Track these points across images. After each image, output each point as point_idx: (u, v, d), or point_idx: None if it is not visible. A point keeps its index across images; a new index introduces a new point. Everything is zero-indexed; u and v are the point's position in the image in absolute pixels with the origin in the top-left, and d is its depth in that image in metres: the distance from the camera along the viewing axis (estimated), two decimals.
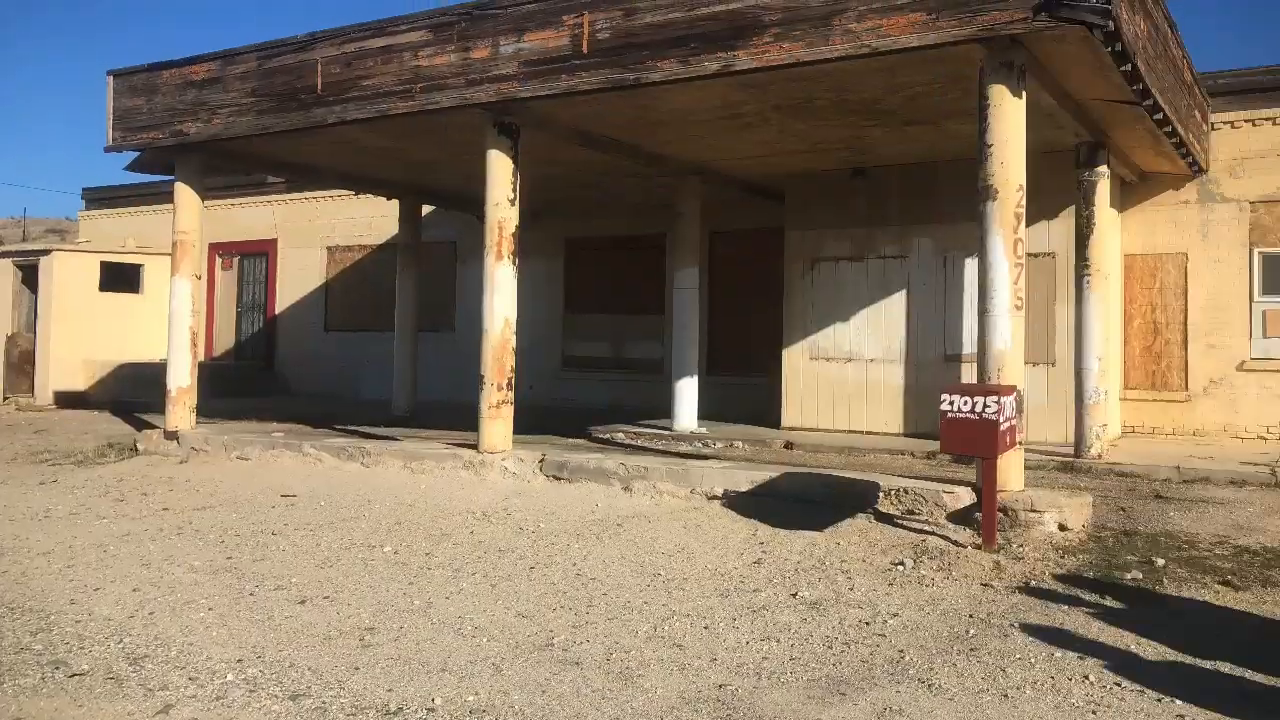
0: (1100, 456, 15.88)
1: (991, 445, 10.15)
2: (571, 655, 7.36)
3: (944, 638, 7.67)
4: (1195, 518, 11.89)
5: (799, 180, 20.09)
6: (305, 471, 15.34)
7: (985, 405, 10.15)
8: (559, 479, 13.95)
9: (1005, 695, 6.57)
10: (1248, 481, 14.31)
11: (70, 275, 29.10)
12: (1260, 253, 18.87)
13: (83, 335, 28.93)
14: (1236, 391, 18.91)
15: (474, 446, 14.87)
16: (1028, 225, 11.89)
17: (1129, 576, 9.23)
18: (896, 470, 14.18)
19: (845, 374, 19.56)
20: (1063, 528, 10.78)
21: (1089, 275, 16.35)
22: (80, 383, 28.73)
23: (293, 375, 30.84)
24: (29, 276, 29.72)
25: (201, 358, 21.36)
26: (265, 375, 30.95)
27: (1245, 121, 19.05)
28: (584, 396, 25.45)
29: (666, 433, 19.36)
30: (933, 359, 18.74)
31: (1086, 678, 6.79)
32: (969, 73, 11.94)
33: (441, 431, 17.92)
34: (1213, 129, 19.22)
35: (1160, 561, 9.68)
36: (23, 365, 29.28)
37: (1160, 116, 14.51)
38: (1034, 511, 10.80)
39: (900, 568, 9.68)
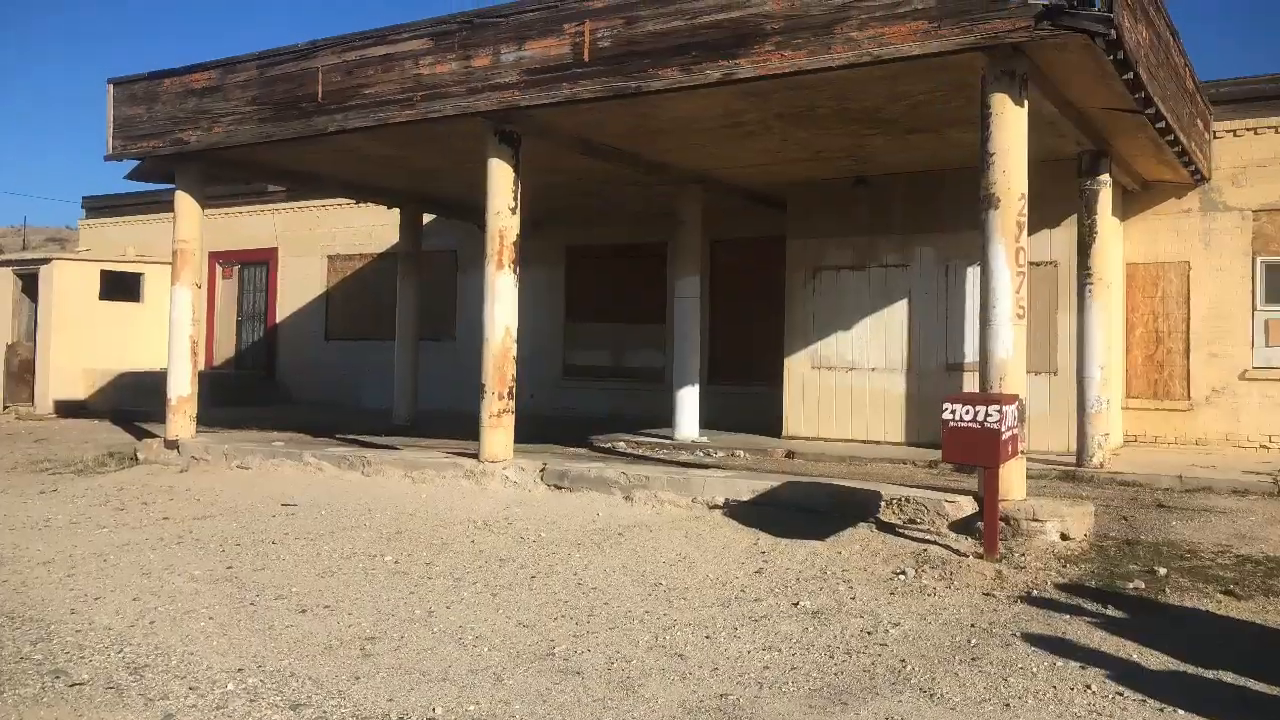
0: (1102, 465, 15.86)
1: (993, 454, 10.12)
2: (573, 665, 7.34)
3: (946, 647, 7.65)
4: (1197, 527, 11.87)
5: (801, 188, 20.08)
6: (306, 480, 15.31)
7: (987, 414, 10.13)
8: (560, 488, 13.93)
9: (1007, 705, 6.55)
10: (1250, 490, 14.29)
11: (70, 284, 29.08)
12: (1262, 261, 18.84)
13: (83, 344, 28.91)
14: (1239, 400, 18.88)
15: (475, 455, 14.85)
16: (1030, 234, 11.87)
17: (1131, 586, 9.21)
18: (898, 479, 14.14)
19: (847, 383, 19.54)
20: (1065, 537, 10.76)
21: (1091, 284, 16.34)
22: (80, 392, 28.72)
23: (293, 384, 30.82)
24: (29, 285, 29.70)
25: (202, 366, 21.34)
26: (266, 384, 30.91)
27: (1247, 130, 19.03)
28: (585, 405, 25.43)
29: (668, 442, 19.34)
30: (935, 368, 18.72)
31: (1089, 687, 6.77)
32: (971, 81, 11.92)
33: (442, 440, 17.89)
34: (1215, 137, 19.20)
35: (1162, 571, 9.66)
36: (23, 374, 29.26)
37: (1162, 125, 14.50)
38: (1036, 521, 10.78)
39: (902, 577, 9.66)
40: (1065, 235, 17.42)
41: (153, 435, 19.13)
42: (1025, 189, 11.49)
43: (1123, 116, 14.22)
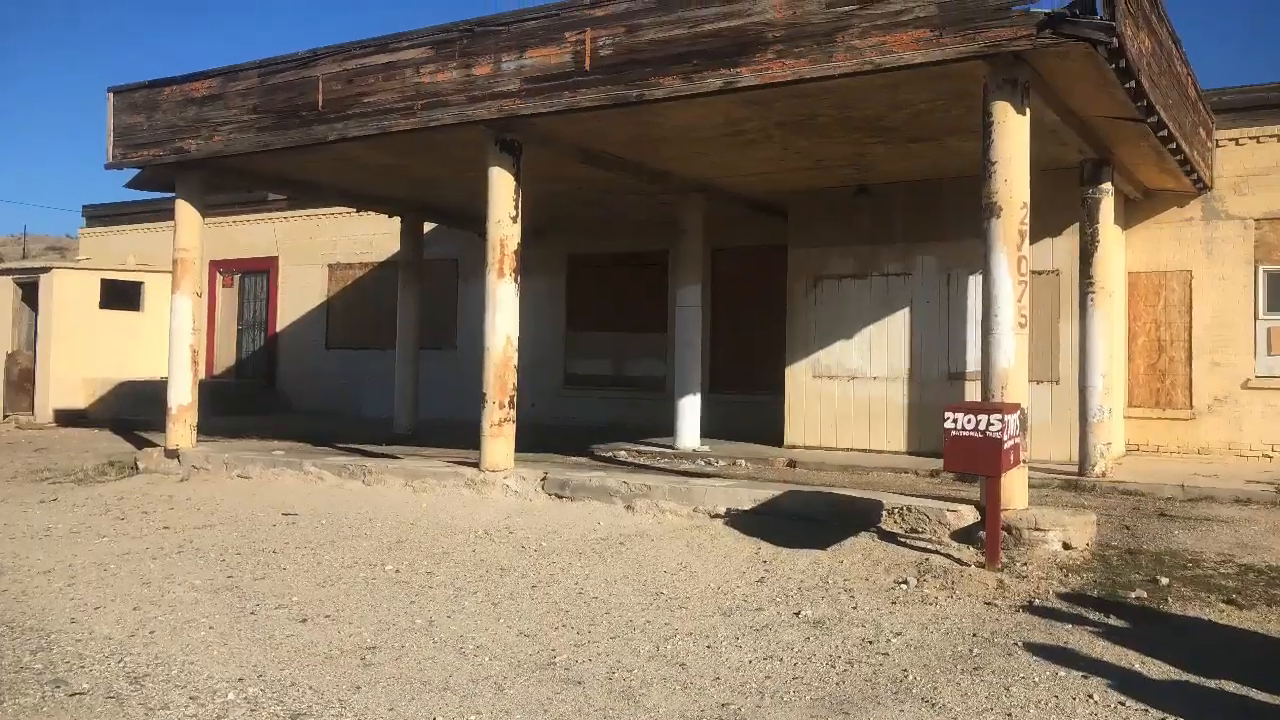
0: (1104, 475, 15.85)
1: (995, 463, 10.11)
2: (574, 674, 7.32)
3: (947, 657, 7.63)
4: (1200, 536, 11.86)
5: (802, 197, 20.09)
6: (306, 490, 15.30)
7: (989, 423, 10.11)
8: (561, 497, 13.92)
9: (1009, 715, 6.53)
10: (1252, 500, 14.27)
11: (70, 293, 29.07)
12: (1265, 270, 18.83)
13: (83, 353, 28.89)
14: (1241, 409, 18.86)
15: (476, 465, 14.83)
16: (1032, 242, 11.85)
17: (1133, 595, 9.19)
18: (900, 488, 14.15)
19: (849, 392, 19.53)
20: (1067, 546, 10.74)
21: (1093, 292, 16.33)
22: (80, 401, 28.70)
23: (294, 393, 30.81)
24: (29, 294, 29.68)
25: (202, 375, 21.31)
26: (266, 393, 30.91)
27: (1250, 139, 19.02)
28: (586, 414, 25.41)
29: (669, 451, 19.34)
30: (936, 377, 18.72)
31: (1090, 697, 6.76)
32: (973, 89, 11.91)
33: (443, 450, 17.89)
34: (1217, 146, 19.19)
35: (1165, 580, 9.64)
36: (23, 383, 29.24)
37: (1165, 133, 14.49)
38: (1038, 530, 10.76)
39: (904, 586, 9.64)
40: (1067, 244, 17.42)
41: (153, 444, 19.10)
42: (1027, 197, 11.48)
43: (1125, 125, 14.21)
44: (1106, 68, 11.48)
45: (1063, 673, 7.20)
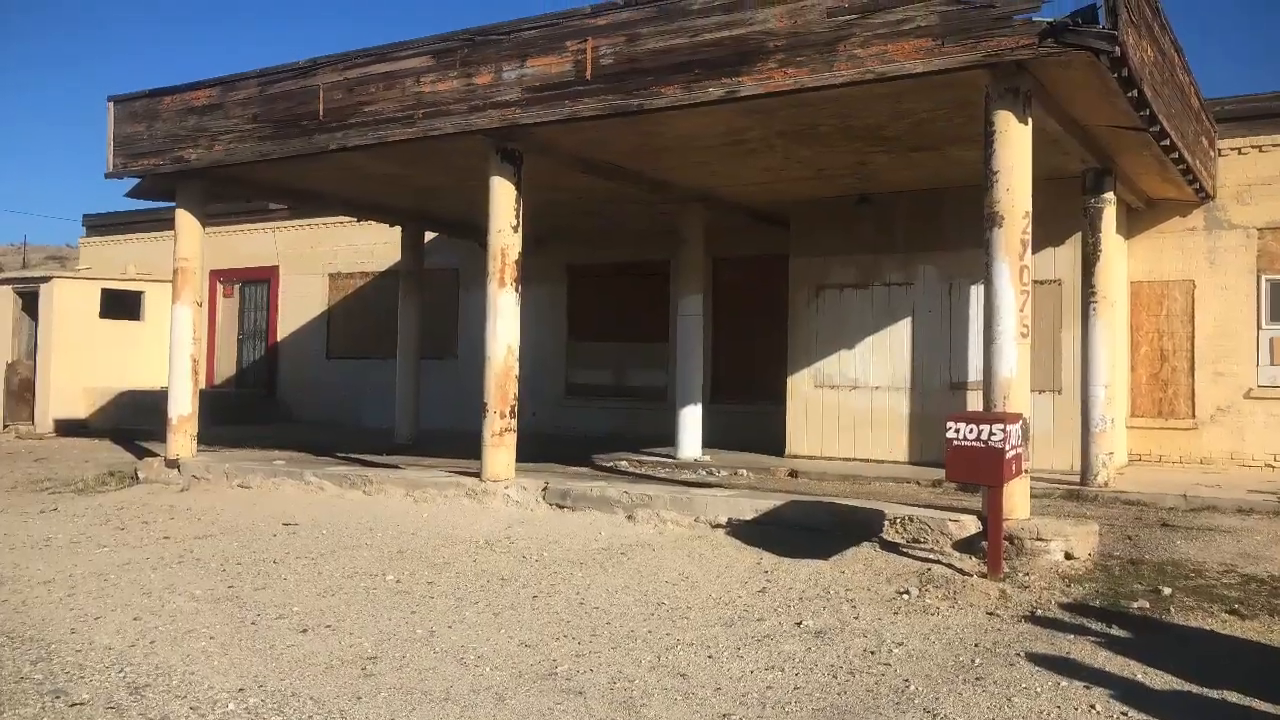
0: (1107, 484, 15.83)
1: (997, 473, 10.09)
2: (575, 684, 7.30)
3: (949, 667, 7.61)
4: (1202, 546, 11.83)
5: (804, 206, 20.08)
6: (307, 500, 15.28)
7: (991, 433, 10.10)
8: (562, 507, 13.90)
9: None
10: (1255, 510, 14.24)
11: (71, 302, 29.05)
12: (1268, 280, 18.80)
13: (83, 363, 28.87)
14: (1244, 419, 18.84)
15: (477, 475, 14.82)
16: (1034, 252, 11.82)
17: (1136, 605, 9.17)
18: (902, 498, 14.11)
19: (850, 402, 19.52)
20: (1069, 556, 10.72)
21: (1095, 302, 16.31)
22: (81, 410, 28.68)
23: (294, 402, 30.80)
24: (29, 304, 29.67)
25: (203, 385, 21.30)
26: (267, 403, 30.89)
27: (1252, 148, 19.01)
28: (587, 424, 25.39)
29: (670, 461, 19.32)
30: (938, 386, 18.70)
31: (1093, 707, 6.73)
32: (975, 99, 11.90)
33: (444, 460, 17.86)
34: (1220, 155, 19.18)
35: (1167, 590, 9.61)
36: (23, 393, 29.21)
37: (1167, 142, 14.48)
38: (1040, 540, 10.74)
39: (905, 596, 9.62)
40: (1069, 253, 17.41)
41: (153, 454, 19.09)
42: (1029, 207, 11.47)
43: (1127, 134, 14.21)
44: (1109, 77, 11.47)
45: (1065, 683, 7.17)
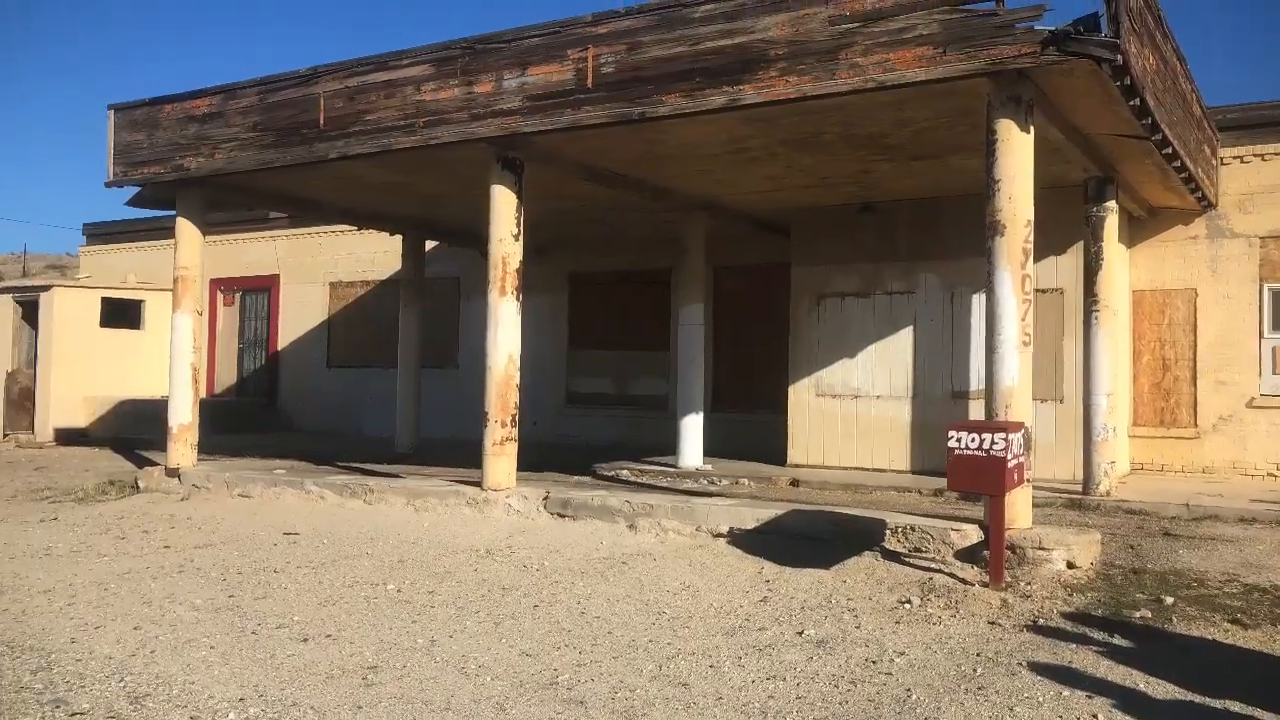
0: (1109, 493, 15.81)
1: (999, 482, 10.08)
2: (576, 694, 7.28)
3: (951, 676, 7.59)
4: (1204, 555, 11.81)
5: (805, 215, 20.07)
6: (307, 509, 15.27)
7: (993, 442, 10.09)
8: (563, 516, 13.89)
9: None
10: (1257, 519, 14.23)
11: (71, 311, 29.05)
12: (1270, 288, 18.78)
13: (83, 372, 28.87)
14: (1246, 428, 18.82)
15: (478, 484, 14.80)
16: (1035, 260, 11.82)
17: (1138, 615, 9.15)
18: (903, 508, 14.10)
19: (852, 410, 19.49)
20: (1071, 565, 10.70)
21: (1097, 311, 16.29)
22: (81, 419, 28.68)
23: (295, 411, 30.78)
24: (29, 313, 29.68)
25: (203, 394, 21.31)
26: (267, 411, 30.88)
27: (1255, 156, 19.00)
28: (588, 433, 25.37)
29: (671, 470, 19.30)
30: (940, 395, 18.67)
31: (1095, 717, 6.72)
32: (977, 107, 11.90)
33: (445, 469, 17.86)
34: (1222, 164, 19.18)
35: (1169, 599, 9.60)
36: (23, 402, 29.21)
37: (1169, 151, 14.47)
38: (1042, 549, 10.72)
39: (907, 606, 9.60)
40: (1071, 262, 17.41)
41: (154, 463, 19.07)
42: (1031, 215, 11.46)
43: (1129, 143, 14.20)
44: (1111, 85, 11.46)
45: (1067, 692, 7.15)
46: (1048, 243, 16.04)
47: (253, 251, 31.95)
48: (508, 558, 11.91)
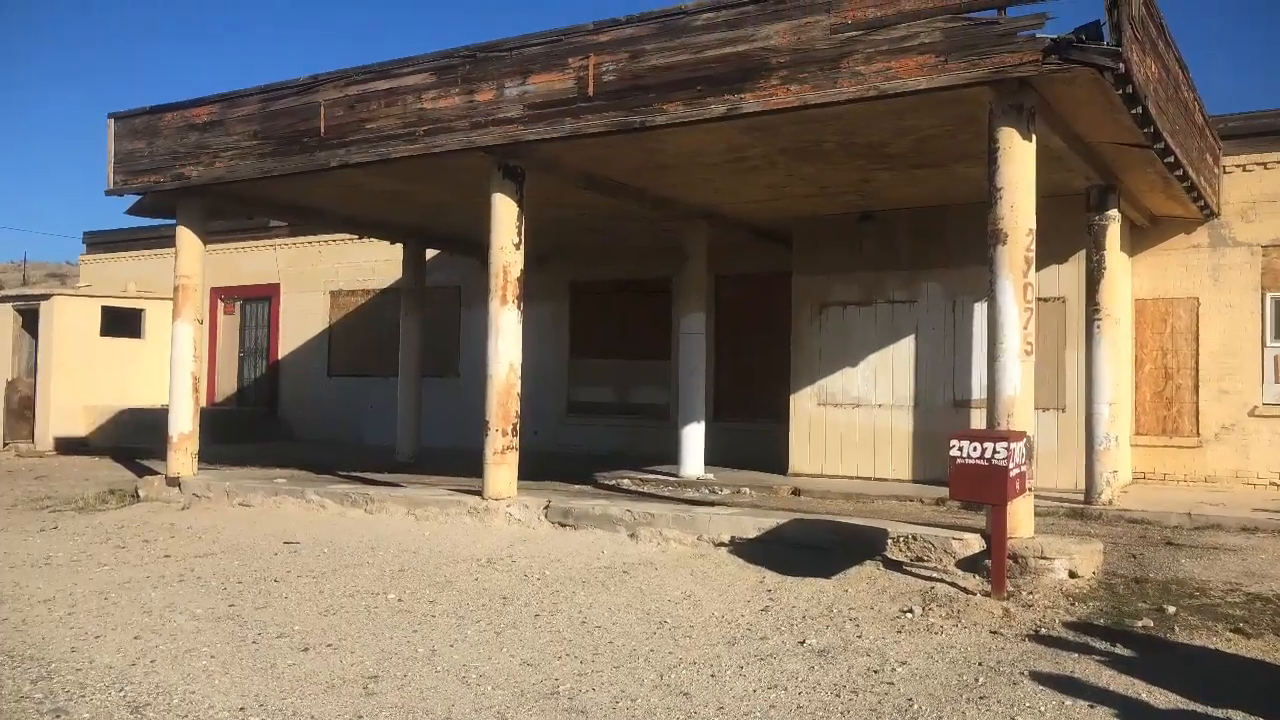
0: (1111, 503, 15.79)
1: (1001, 491, 10.06)
2: (577, 704, 7.26)
3: (953, 686, 7.57)
4: (1207, 565, 11.80)
5: (807, 224, 20.06)
6: (308, 518, 15.25)
7: (995, 451, 10.07)
8: (564, 525, 13.87)
9: None
10: (1260, 528, 14.21)
11: (71, 320, 29.04)
12: (1272, 297, 18.76)
13: (83, 380, 28.86)
14: (1248, 437, 18.80)
15: (478, 493, 14.79)
16: (1037, 269, 11.78)
17: (1140, 624, 9.13)
18: (905, 517, 14.08)
19: (853, 419, 19.48)
20: (1073, 575, 10.68)
21: (1099, 320, 16.27)
22: (81, 428, 28.66)
23: (295, 420, 30.77)
24: (29, 321, 29.67)
25: (203, 403, 21.25)
26: (268, 420, 30.86)
27: (1257, 165, 18.99)
28: (589, 442, 25.35)
29: (673, 479, 19.28)
30: (941, 404, 18.66)
31: None
32: (978, 115, 11.90)
33: (445, 478, 17.84)
34: (1224, 172, 19.16)
35: (1171, 609, 9.58)
36: (23, 411, 29.19)
37: (1171, 159, 14.46)
38: (1044, 558, 10.70)
39: (909, 615, 9.58)
40: (1073, 271, 17.40)
41: (154, 472, 19.07)
42: (1033, 224, 11.45)
43: (1131, 151, 14.19)
44: (1113, 93, 11.45)
45: (1069, 702, 7.13)
46: (1050, 251, 16.00)
47: (253, 260, 31.96)
48: (509, 567, 11.89)
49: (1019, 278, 11.30)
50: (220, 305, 32.62)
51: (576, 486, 17.73)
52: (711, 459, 20.30)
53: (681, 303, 20.76)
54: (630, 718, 7.00)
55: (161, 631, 9.21)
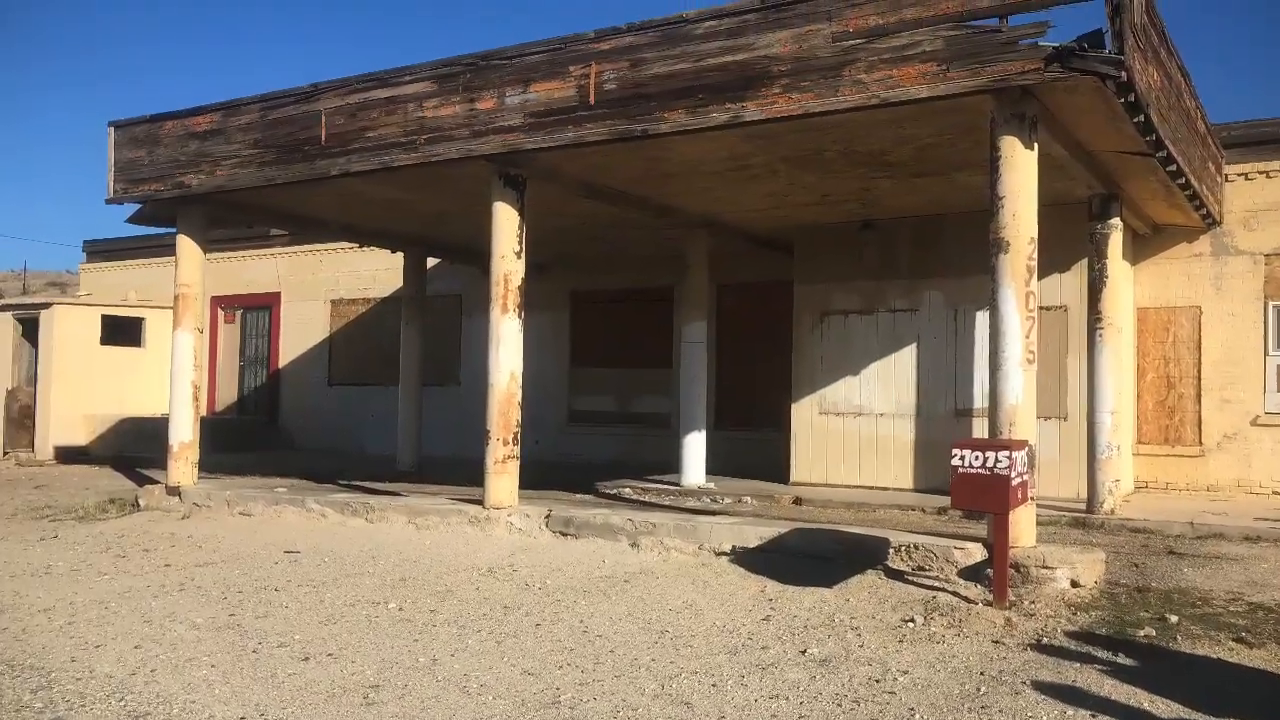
0: (1113, 512, 15.76)
1: (1003, 501, 10.04)
2: (578, 714, 7.23)
3: (955, 696, 7.54)
4: (1209, 574, 11.78)
5: (808, 232, 20.06)
6: (309, 527, 15.23)
7: (996, 460, 10.05)
8: (565, 535, 13.85)
9: None
10: (1262, 537, 14.19)
11: (71, 329, 29.01)
12: (1275, 306, 18.77)
13: (83, 389, 28.83)
14: (1250, 446, 18.79)
15: (479, 502, 14.77)
16: (1039, 278, 11.76)
17: (1142, 633, 9.10)
18: (907, 526, 14.05)
19: (855, 428, 19.46)
20: (1075, 584, 10.67)
21: (1101, 328, 16.24)
22: (81, 437, 28.64)
23: (296, 429, 30.75)
24: (29, 330, 29.63)
25: (204, 412, 21.25)
26: (268, 429, 30.84)
27: (1259, 173, 19.00)
28: (590, 451, 25.33)
29: (674, 488, 19.25)
30: (943, 413, 18.64)
31: None
32: (980, 124, 11.88)
33: (446, 486, 17.83)
34: (1226, 181, 19.18)
35: (1173, 618, 9.56)
36: (23, 420, 29.16)
37: (1173, 168, 14.45)
38: (1046, 568, 10.67)
39: (910, 624, 9.56)
40: (1075, 279, 17.38)
41: (154, 481, 19.06)
42: (1035, 233, 11.44)
43: (1133, 159, 14.17)
44: (1115, 102, 11.44)
45: (1071, 711, 7.12)
46: (1051, 260, 16.00)
47: (254, 269, 31.96)
48: (510, 576, 11.87)
49: (1021, 286, 11.29)
50: (221, 314, 32.62)
51: (578, 496, 17.73)
52: (713, 468, 20.27)
53: (683, 312, 20.76)
54: None
55: (162, 641, 9.19)
